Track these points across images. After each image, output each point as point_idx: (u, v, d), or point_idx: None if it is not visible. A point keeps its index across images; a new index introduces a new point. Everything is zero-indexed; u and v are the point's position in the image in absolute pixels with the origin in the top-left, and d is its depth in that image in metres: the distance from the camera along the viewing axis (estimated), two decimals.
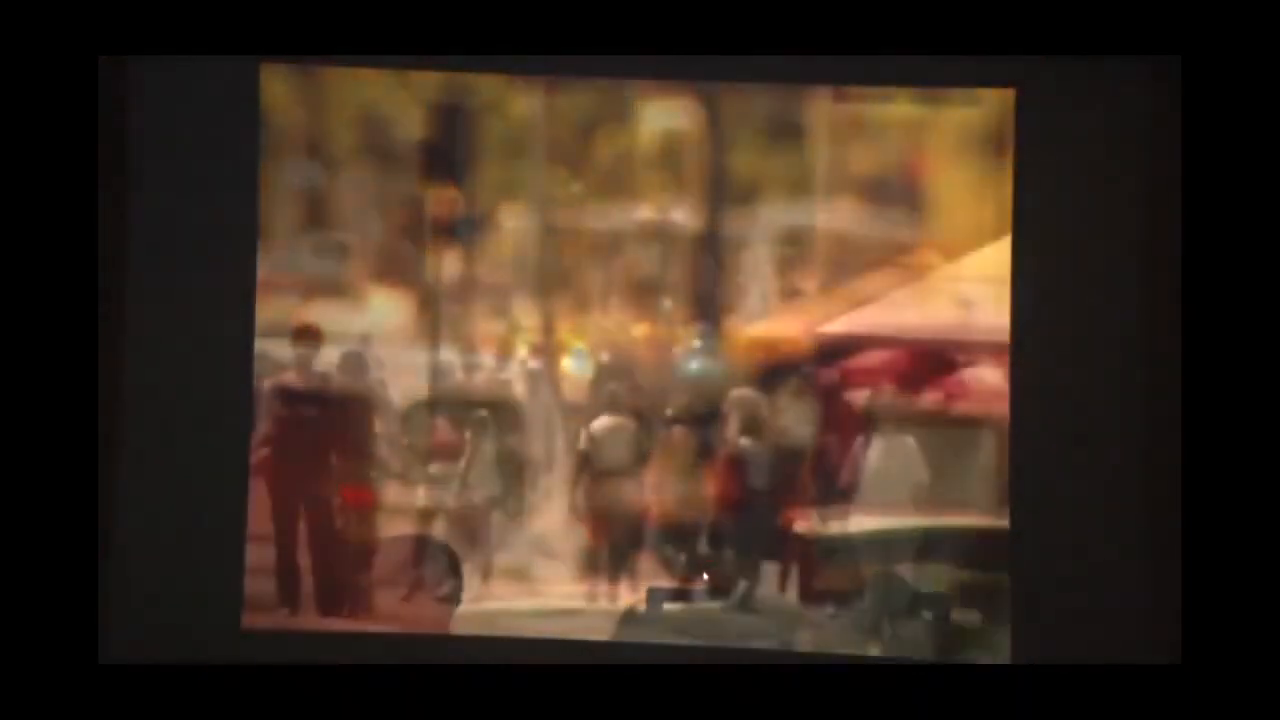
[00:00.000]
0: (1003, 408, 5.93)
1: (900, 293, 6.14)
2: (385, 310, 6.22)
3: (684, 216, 6.18)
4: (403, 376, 6.24)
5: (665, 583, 6.15)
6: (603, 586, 6.16)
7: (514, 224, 6.21)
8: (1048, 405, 5.88)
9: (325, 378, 6.20)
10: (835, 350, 6.16)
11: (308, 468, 6.17)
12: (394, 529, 6.20)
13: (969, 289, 6.08)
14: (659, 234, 6.18)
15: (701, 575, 6.13)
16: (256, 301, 5.99)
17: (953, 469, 6.10)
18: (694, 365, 6.21)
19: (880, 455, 6.15)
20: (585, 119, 6.16)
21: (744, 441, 6.17)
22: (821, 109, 6.10)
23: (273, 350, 6.12)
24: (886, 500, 6.12)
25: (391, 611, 6.13)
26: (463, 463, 6.25)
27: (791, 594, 6.09)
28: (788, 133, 6.14)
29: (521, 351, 6.25)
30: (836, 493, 6.14)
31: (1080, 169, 5.89)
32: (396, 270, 6.22)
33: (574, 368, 6.26)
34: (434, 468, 6.24)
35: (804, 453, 6.16)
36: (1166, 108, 5.68)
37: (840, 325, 6.17)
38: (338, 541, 6.16)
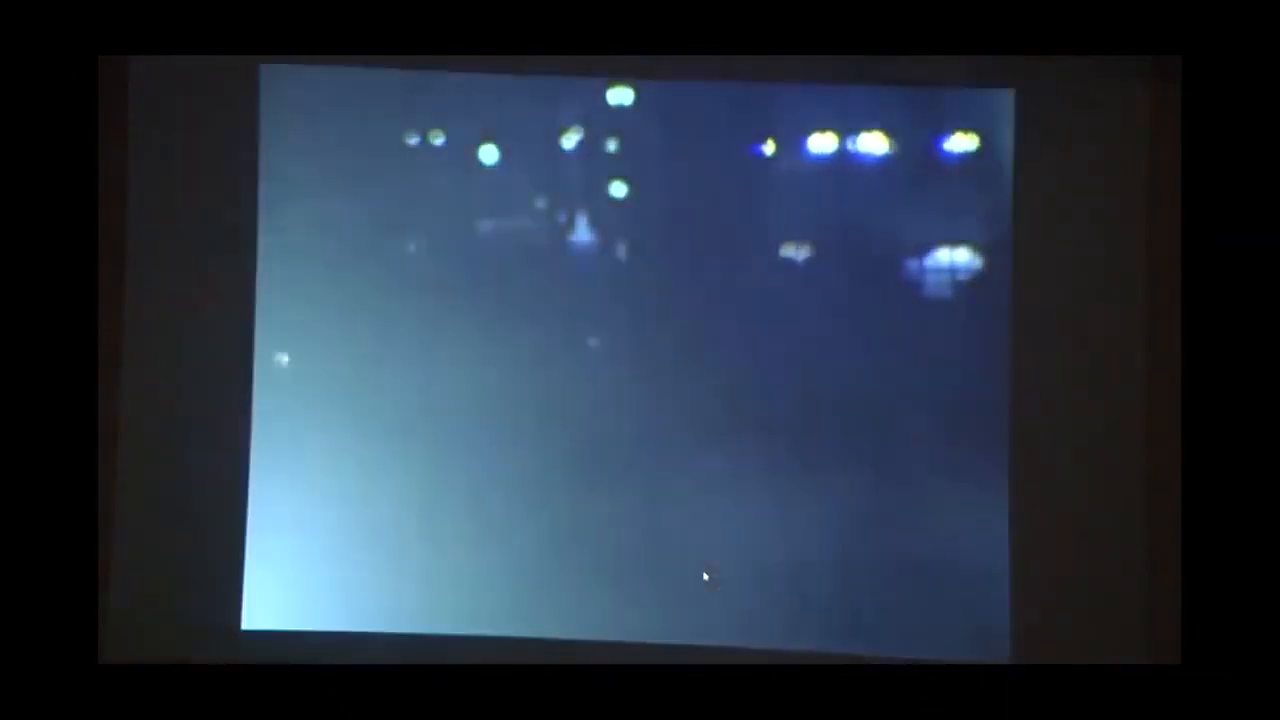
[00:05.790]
0: None
1: None
2: None
3: None
4: None
5: None
6: None
7: None
8: (1047, 405, 5.87)
9: None
10: None
11: None
12: None
13: None
14: None
15: None
16: (256, 301, 5.99)
17: None
18: None
19: None
20: None
21: None
22: None
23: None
24: None
25: None
26: None
27: None
28: None
29: None
30: None
31: (1080, 169, 5.89)
32: None
33: None
34: None
35: None
36: (1167, 108, 5.68)
37: None
38: None
